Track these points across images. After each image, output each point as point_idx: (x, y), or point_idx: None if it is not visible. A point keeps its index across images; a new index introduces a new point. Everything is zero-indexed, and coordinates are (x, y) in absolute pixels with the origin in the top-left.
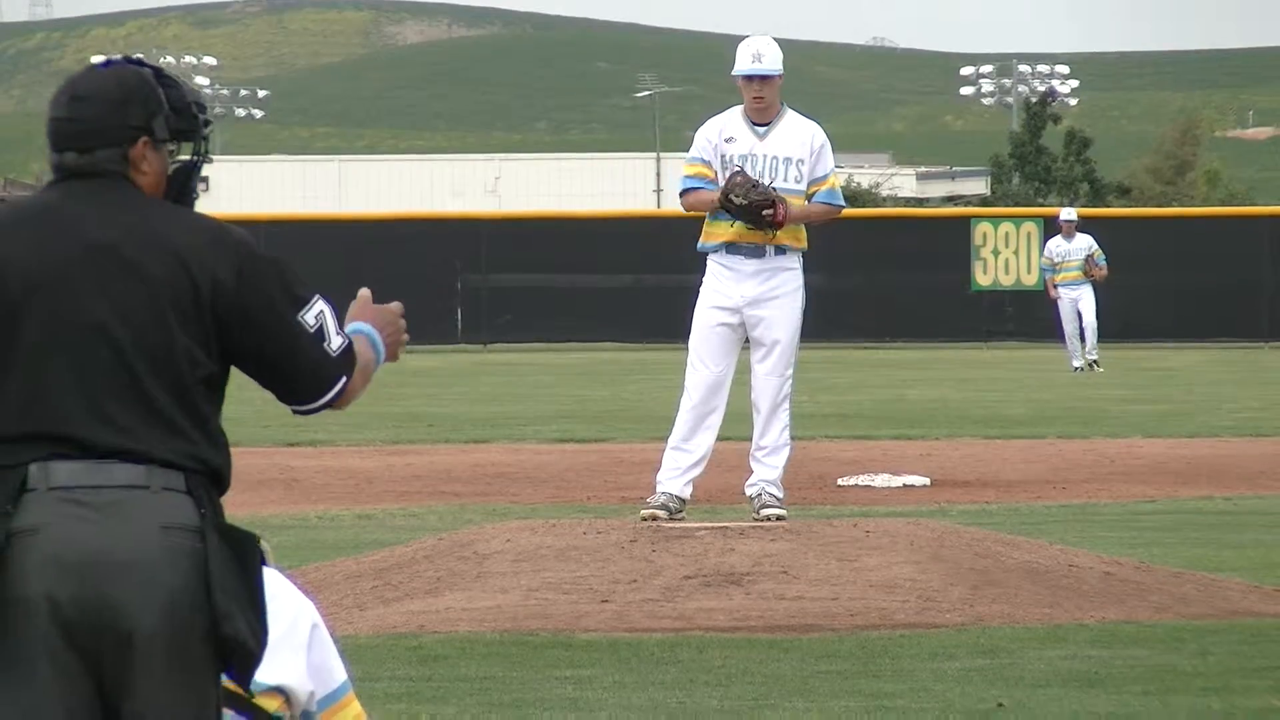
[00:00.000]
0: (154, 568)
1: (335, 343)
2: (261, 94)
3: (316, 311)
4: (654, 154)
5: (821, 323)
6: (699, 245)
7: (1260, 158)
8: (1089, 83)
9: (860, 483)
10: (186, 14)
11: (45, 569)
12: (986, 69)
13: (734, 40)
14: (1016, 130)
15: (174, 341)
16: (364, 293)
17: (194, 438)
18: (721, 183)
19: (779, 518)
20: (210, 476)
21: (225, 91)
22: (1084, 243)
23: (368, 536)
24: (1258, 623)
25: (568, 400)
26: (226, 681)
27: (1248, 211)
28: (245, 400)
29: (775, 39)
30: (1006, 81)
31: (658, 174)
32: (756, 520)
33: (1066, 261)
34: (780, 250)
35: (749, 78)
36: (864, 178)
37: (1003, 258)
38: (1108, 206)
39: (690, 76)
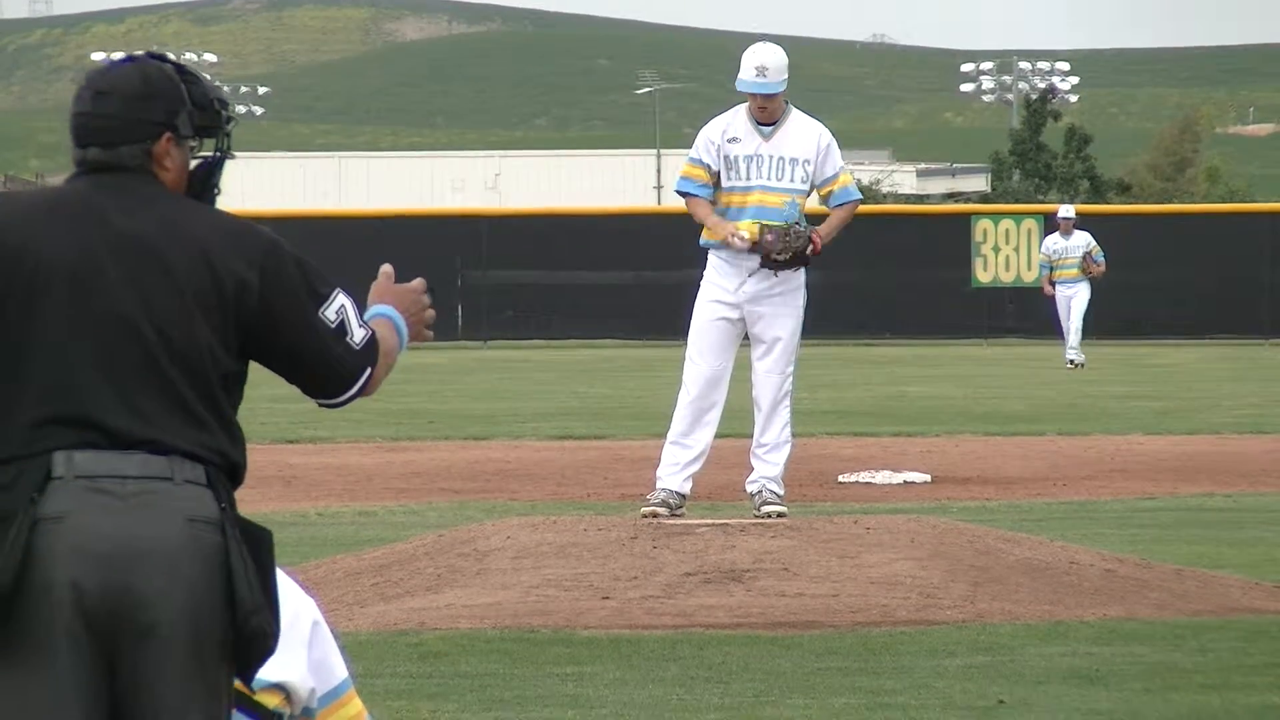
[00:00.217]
0: (178, 559)
1: (358, 336)
2: (262, 91)
3: (338, 306)
4: (654, 150)
5: (822, 319)
6: (701, 240)
7: (1260, 154)
8: (1089, 79)
9: (861, 480)
10: (187, 10)
11: (70, 557)
12: (987, 66)
13: (735, 37)
14: (1017, 127)
15: (197, 336)
16: (386, 269)
17: (215, 432)
18: (724, 175)
19: (780, 515)
20: (228, 471)
21: (225, 88)
22: (1081, 240)
23: (368, 533)
24: (1258, 620)
25: (568, 397)
26: None
27: (1248, 208)
28: (244, 397)
29: (776, 35)
30: (1007, 78)
31: (658, 170)
32: (757, 517)
33: (1064, 259)
34: None
35: (753, 93)
36: (864, 175)
37: (1003, 254)
38: (1108, 203)
39: (691, 73)
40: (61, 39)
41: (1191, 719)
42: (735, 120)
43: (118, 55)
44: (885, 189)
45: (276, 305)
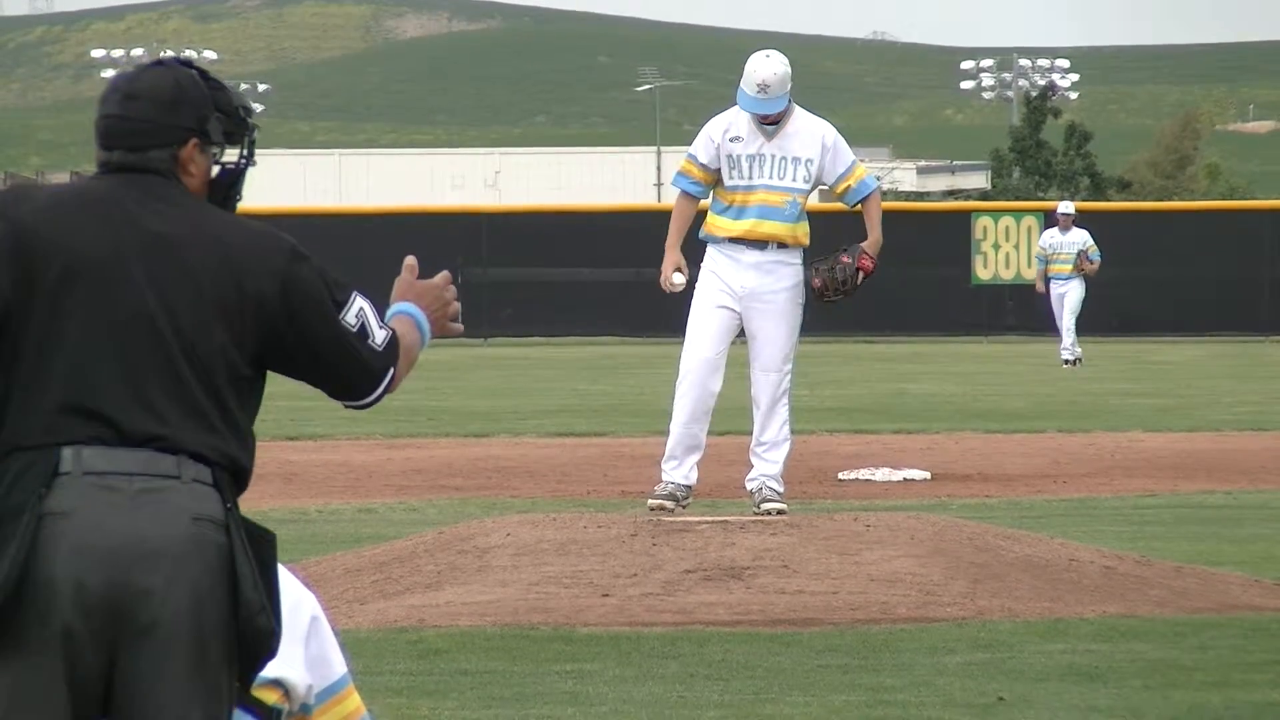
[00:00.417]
0: (182, 558)
1: (379, 337)
2: (261, 88)
3: (357, 310)
4: (654, 148)
5: (822, 316)
6: (701, 234)
7: (1261, 151)
8: (1089, 77)
9: (861, 477)
10: (187, 8)
11: (74, 554)
12: (987, 63)
13: (735, 34)
14: (1017, 124)
15: (215, 340)
16: (409, 262)
17: (224, 435)
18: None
19: (779, 512)
20: (234, 474)
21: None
22: (1078, 238)
23: (367, 531)
24: (1258, 617)
25: (568, 394)
26: None
27: (1248, 205)
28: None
29: (776, 32)
30: (1007, 76)
31: (658, 168)
32: (757, 514)
33: (1058, 254)
34: (782, 245)
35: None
36: None
37: (1003, 252)
38: (1108, 200)
39: (691, 70)
40: (61, 36)
41: (1191, 716)
42: (738, 118)
43: (136, 56)
44: (885, 186)
45: (299, 312)
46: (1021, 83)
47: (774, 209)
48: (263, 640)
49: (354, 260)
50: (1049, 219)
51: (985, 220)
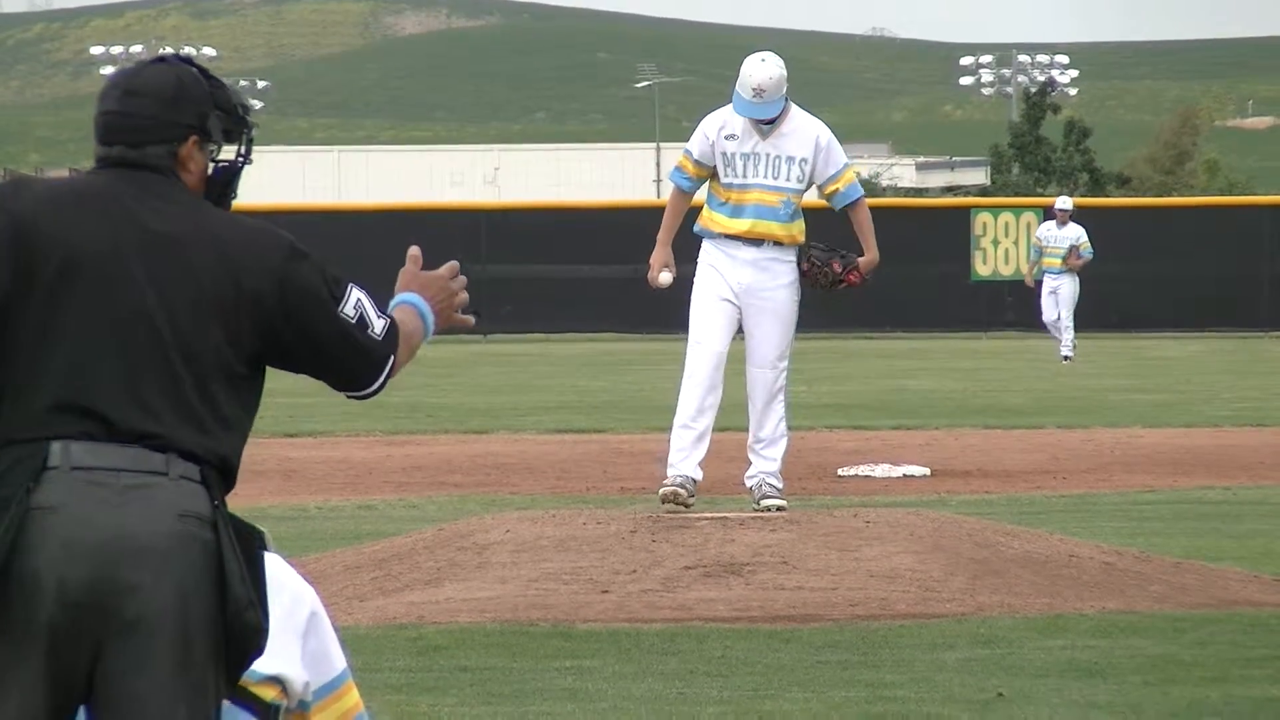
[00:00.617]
0: (168, 554)
1: (378, 327)
2: (260, 85)
3: (355, 301)
4: (653, 144)
5: (821, 313)
6: (696, 229)
7: (1260, 147)
8: (1088, 73)
9: (860, 473)
10: (185, 4)
11: (60, 549)
12: (986, 59)
13: (734, 31)
14: (1016, 120)
15: (211, 337)
16: (414, 253)
17: (215, 434)
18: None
19: (779, 508)
20: (223, 472)
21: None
22: (1072, 233)
23: (367, 527)
24: (1257, 613)
25: (567, 391)
26: None
27: (1247, 201)
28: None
29: (775, 29)
30: (1006, 71)
31: (657, 164)
32: (757, 511)
33: (1051, 248)
34: (778, 244)
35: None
36: (864, 168)
37: (1002, 248)
38: (1107, 196)
39: (690, 67)
40: (60, 33)
41: (1191, 712)
42: (734, 116)
43: (135, 52)
44: (884, 182)
45: (298, 309)
46: (1020, 79)
47: (769, 208)
48: (251, 636)
49: (353, 257)
50: (1049, 216)
51: (984, 216)
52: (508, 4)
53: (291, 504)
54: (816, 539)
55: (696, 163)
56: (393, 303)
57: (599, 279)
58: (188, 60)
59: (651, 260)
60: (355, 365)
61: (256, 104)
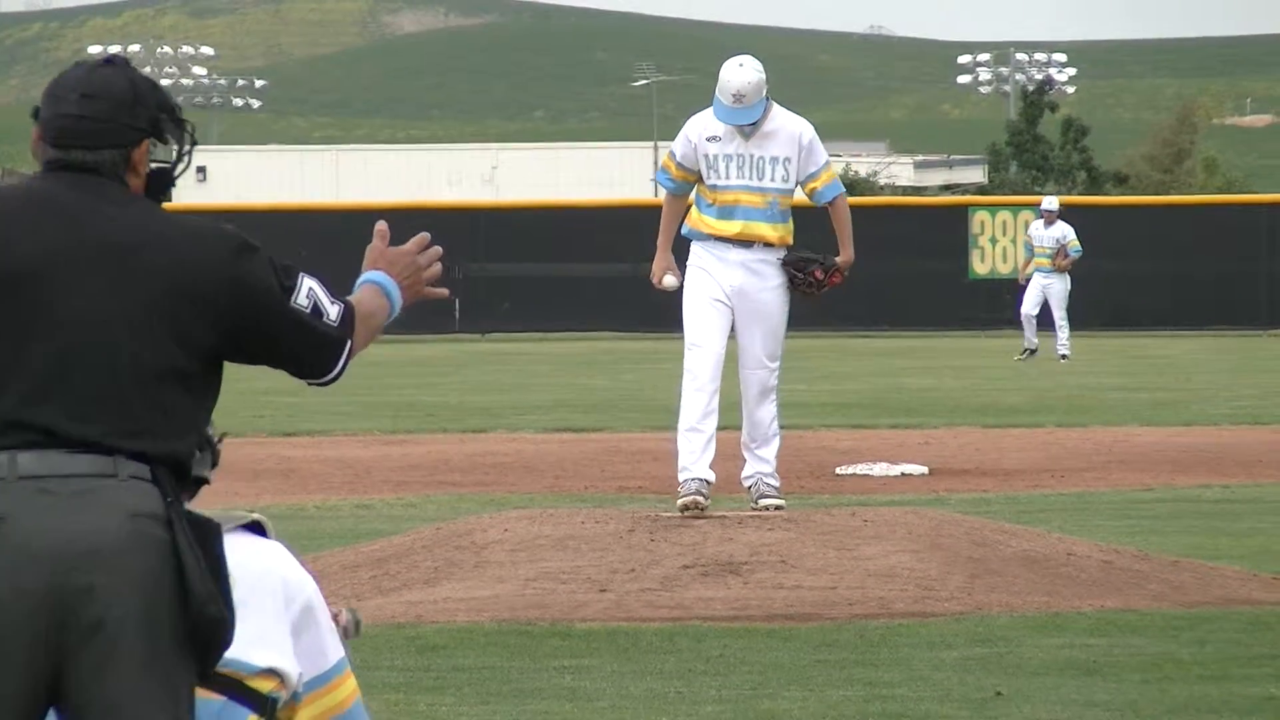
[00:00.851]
0: (123, 555)
1: (332, 313)
2: (259, 84)
3: (307, 290)
4: (651, 143)
5: (819, 311)
6: (685, 230)
7: (1258, 145)
8: (1086, 71)
9: (858, 472)
10: (184, 3)
11: (12, 558)
12: (984, 57)
13: (732, 30)
14: (1014, 119)
15: (161, 340)
16: (380, 229)
17: (165, 432)
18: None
19: (777, 507)
20: (175, 469)
21: (223, 81)
22: (1059, 231)
23: (365, 526)
24: (1255, 611)
25: (565, 389)
26: (222, 668)
27: (1245, 199)
28: (240, 390)
29: (773, 27)
30: (1004, 70)
31: (655, 163)
32: (755, 510)
33: (1040, 248)
34: (767, 245)
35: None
36: (861, 166)
37: (1000, 246)
38: (1105, 195)
39: (688, 65)
40: (59, 32)
41: (1189, 710)
42: (716, 118)
43: (94, 49)
44: (882, 181)
45: (251, 304)
46: (1018, 77)
47: (757, 210)
48: (215, 629)
49: (352, 257)
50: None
51: (982, 215)
52: (506, 3)
53: (290, 503)
54: (815, 538)
55: (680, 165)
56: (359, 281)
57: (597, 277)
58: (126, 61)
59: (654, 267)
60: (312, 354)
61: (255, 103)
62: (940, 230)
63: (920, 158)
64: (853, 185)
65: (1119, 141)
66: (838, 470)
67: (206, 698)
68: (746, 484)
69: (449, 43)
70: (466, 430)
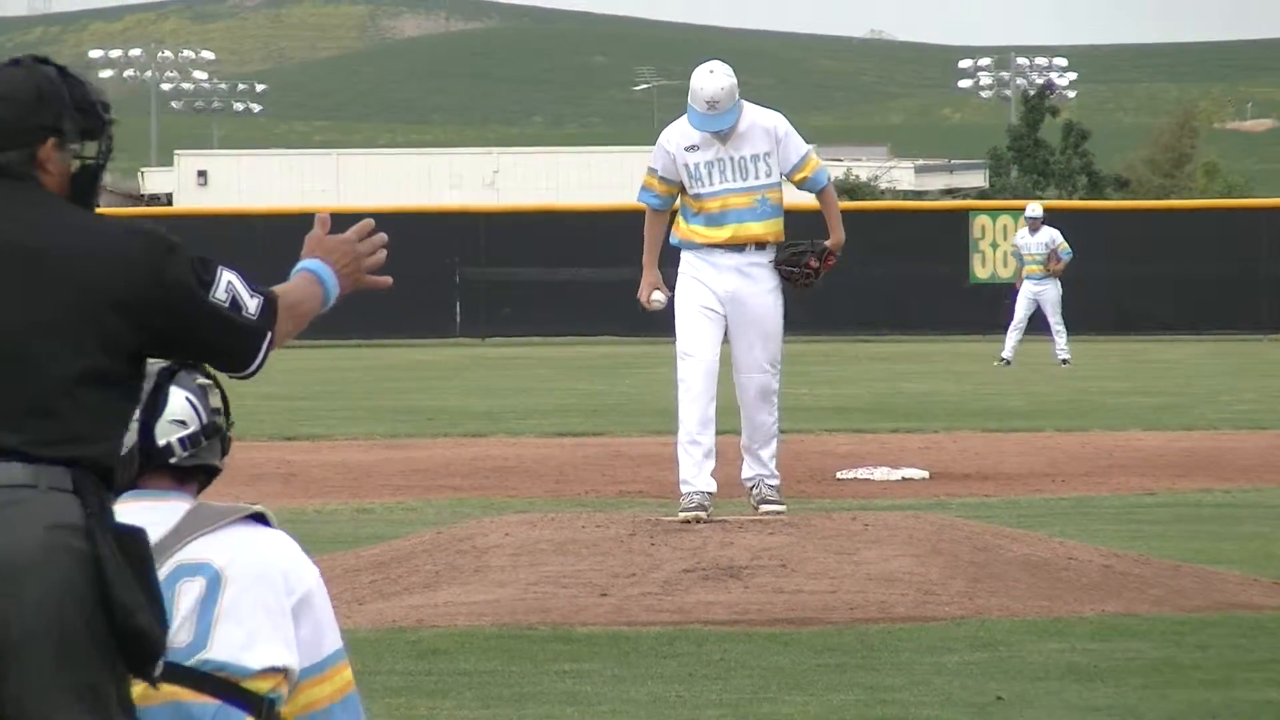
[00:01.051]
0: (37, 569)
1: (252, 306)
2: (259, 88)
3: (225, 284)
4: (652, 148)
5: (819, 316)
6: (675, 241)
7: (1259, 149)
8: (1087, 75)
9: (859, 476)
10: (185, 8)
11: None
12: (984, 62)
13: (733, 34)
14: (1014, 123)
15: (79, 343)
16: (321, 217)
17: (87, 436)
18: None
19: (779, 513)
20: (101, 473)
21: (223, 85)
22: (1046, 236)
23: (366, 530)
24: (1257, 616)
25: (566, 394)
26: (218, 672)
27: (1246, 204)
28: (240, 394)
29: (774, 31)
30: (1004, 74)
31: None
32: (757, 515)
33: (1030, 255)
34: (759, 246)
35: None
36: (862, 170)
37: (1001, 251)
38: (1106, 199)
39: (688, 70)
40: (59, 37)
41: (1190, 715)
42: (691, 127)
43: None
44: (883, 185)
45: (169, 302)
46: (1019, 81)
47: (746, 210)
48: (144, 640)
49: None
50: (1048, 218)
51: (983, 219)
52: (506, 7)
53: (290, 507)
54: (815, 542)
55: (663, 179)
56: (295, 269)
57: (597, 282)
58: (45, 60)
59: (641, 285)
60: (232, 347)
61: (255, 107)
62: (941, 234)
63: (921, 162)
64: (854, 189)
65: (1120, 146)
66: (838, 475)
67: (202, 702)
68: (748, 485)
69: (449, 47)
70: (467, 434)
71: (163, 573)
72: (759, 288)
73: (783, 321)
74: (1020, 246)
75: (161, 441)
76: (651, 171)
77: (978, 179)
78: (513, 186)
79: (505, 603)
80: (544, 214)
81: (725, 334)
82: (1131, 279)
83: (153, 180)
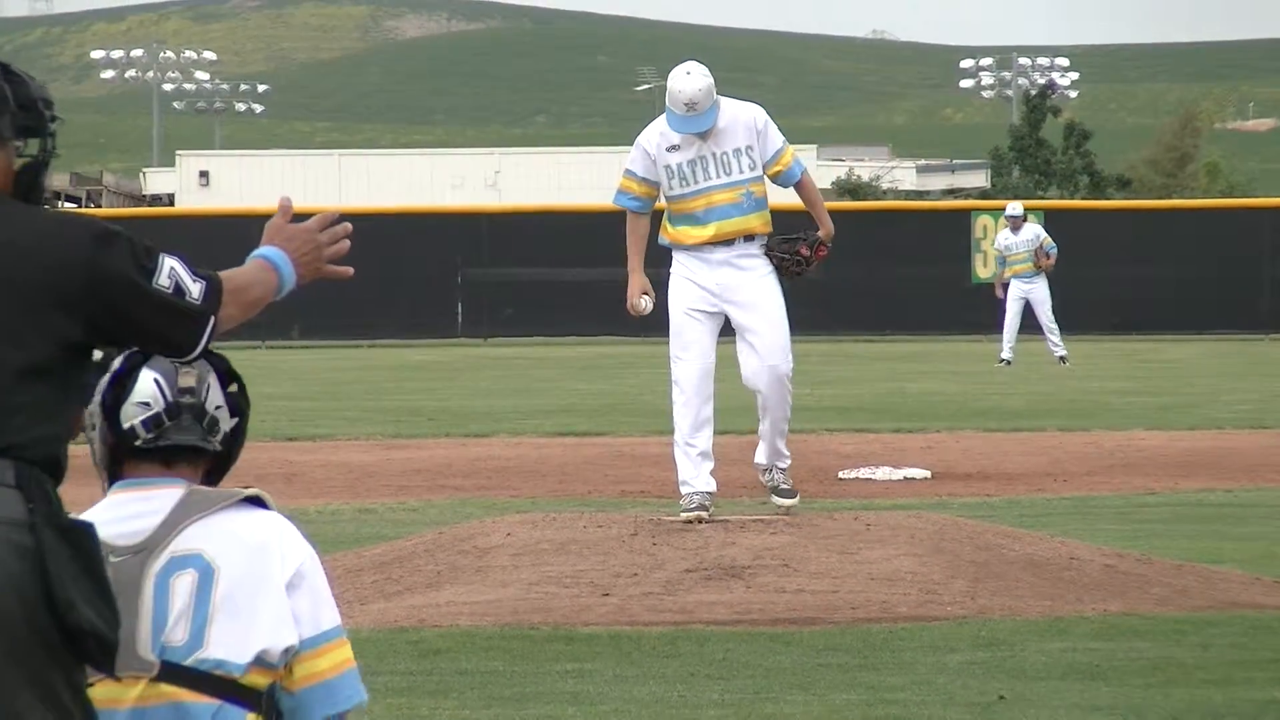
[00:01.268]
0: None
1: (194, 291)
2: (261, 89)
3: (168, 271)
4: None
5: (822, 316)
6: (663, 242)
7: (1260, 149)
8: (1089, 75)
9: (861, 476)
10: (187, 8)
11: None
12: (986, 62)
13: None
14: (1016, 123)
15: (19, 337)
16: (283, 204)
17: (29, 428)
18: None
19: (790, 509)
20: (46, 467)
21: (225, 86)
22: (1030, 233)
23: (368, 531)
24: (1259, 615)
25: (568, 394)
26: (216, 670)
27: (1248, 203)
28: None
29: (776, 31)
30: (1006, 74)
31: None
32: (776, 509)
33: (1014, 254)
34: (749, 238)
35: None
36: (864, 170)
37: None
38: (1108, 199)
39: None
40: (61, 37)
41: (1192, 714)
42: (671, 128)
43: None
44: (885, 185)
45: (111, 291)
46: (1021, 81)
47: (732, 206)
48: (90, 635)
49: (352, 260)
50: (1050, 219)
51: (985, 219)
52: (508, 7)
53: (292, 507)
54: (817, 542)
55: (642, 181)
56: (250, 255)
57: (600, 282)
58: None
59: (629, 290)
60: (174, 332)
61: (257, 108)
62: (943, 235)
63: (923, 162)
64: (855, 189)
65: (1121, 146)
66: (840, 475)
67: (201, 702)
68: (760, 471)
69: (451, 47)
70: (469, 434)
71: (159, 566)
72: (753, 275)
73: (784, 304)
74: (1005, 247)
75: (125, 425)
76: (629, 174)
77: (979, 179)
78: (515, 187)
79: (507, 602)
80: (546, 214)
81: (722, 333)
82: (1133, 279)
83: (155, 181)
